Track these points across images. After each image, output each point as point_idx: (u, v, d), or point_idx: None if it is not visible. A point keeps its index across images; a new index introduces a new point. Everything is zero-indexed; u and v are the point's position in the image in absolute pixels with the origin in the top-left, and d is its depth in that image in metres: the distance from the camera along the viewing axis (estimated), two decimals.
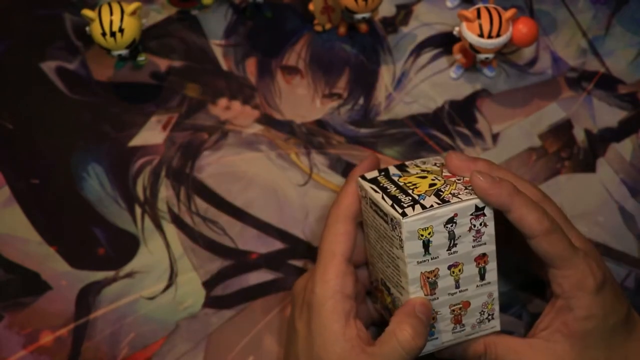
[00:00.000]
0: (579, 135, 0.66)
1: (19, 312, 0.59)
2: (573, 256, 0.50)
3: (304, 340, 0.52)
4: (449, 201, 0.49)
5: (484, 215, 0.50)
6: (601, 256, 0.53)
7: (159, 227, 0.62)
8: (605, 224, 0.63)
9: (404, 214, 0.49)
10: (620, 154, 0.65)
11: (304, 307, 0.53)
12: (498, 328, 0.53)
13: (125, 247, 0.62)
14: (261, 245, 0.62)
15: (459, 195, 0.49)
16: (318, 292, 0.51)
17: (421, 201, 0.49)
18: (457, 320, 0.52)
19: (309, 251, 0.62)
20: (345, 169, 0.65)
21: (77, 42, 0.69)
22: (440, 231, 0.49)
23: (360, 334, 0.50)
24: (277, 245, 0.62)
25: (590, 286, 0.50)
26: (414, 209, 0.49)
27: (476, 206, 0.49)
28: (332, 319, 0.50)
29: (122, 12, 0.62)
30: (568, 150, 0.66)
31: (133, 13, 0.62)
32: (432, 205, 0.49)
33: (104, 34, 0.62)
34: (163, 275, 0.61)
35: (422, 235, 0.49)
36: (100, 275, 0.61)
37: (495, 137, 0.66)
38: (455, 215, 0.49)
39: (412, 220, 0.49)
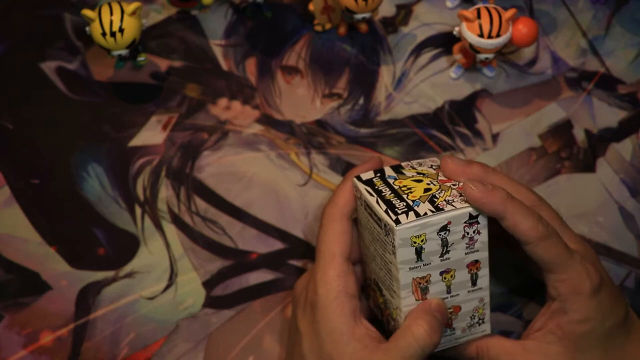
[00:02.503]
0: (579, 135, 0.66)
1: (19, 312, 0.59)
2: (568, 260, 0.50)
3: (310, 340, 0.52)
4: (443, 209, 0.49)
5: (478, 223, 0.50)
6: (598, 258, 0.53)
7: (159, 227, 0.62)
8: (605, 224, 0.63)
9: (397, 221, 0.48)
10: (620, 154, 0.65)
11: (307, 307, 0.53)
12: (489, 331, 0.53)
13: (125, 247, 0.62)
14: (261, 245, 0.62)
15: (453, 203, 0.49)
16: (321, 293, 0.51)
17: (415, 208, 0.49)
18: (448, 324, 0.52)
19: (309, 251, 0.62)
20: (345, 169, 0.64)
21: (77, 42, 0.69)
22: (434, 238, 0.49)
23: (369, 332, 0.51)
24: (277, 245, 0.62)
25: (586, 289, 0.50)
26: (407, 216, 0.49)
27: (470, 214, 0.49)
28: (339, 321, 0.50)
29: (122, 12, 0.62)
30: (568, 150, 0.66)
31: (133, 13, 0.62)
32: (425, 213, 0.49)
33: (104, 34, 0.62)
34: (163, 275, 0.61)
35: (415, 242, 0.49)
36: (100, 275, 0.61)
37: (495, 137, 0.66)
38: (449, 223, 0.49)
39: (406, 228, 0.48)
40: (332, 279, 0.51)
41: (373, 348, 0.49)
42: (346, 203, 0.54)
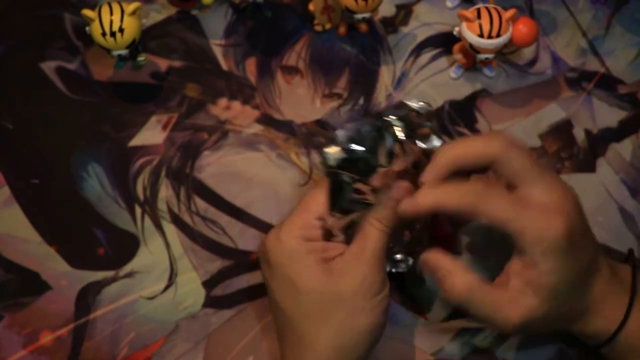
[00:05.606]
0: (579, 135, 0.66)
1: (19, 312, 0.59)
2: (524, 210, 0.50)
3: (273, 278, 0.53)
4: None
5: None
6: (577, 200, 0.52)
7: (159, 227, 0.62)
8: (605, 224, 0.63)
9: None
10: (620, 154, 0.65)
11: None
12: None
13: (125, 247, 0.62)
14: None
15: None
16: (284, 240, 0.53)
17: None
18: None
19: None
20: None
21: (77, 42, 0.69)
22: None
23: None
24: None
25: (549, 239, 0.50)
26: None
27: None
28: (299, 252, 0.53)
29: (122, 12, 0.62)
30: (568, 150, 0.66)
31: (133, 13, 0.62)
32: None
33: (104, 34, 0.62)
34: (163, 275, 0.61)
35: None
36: (100, 275, 0.61)
37: None
38: None
39: None
40: (296, 232, 0.53)
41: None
42: None
